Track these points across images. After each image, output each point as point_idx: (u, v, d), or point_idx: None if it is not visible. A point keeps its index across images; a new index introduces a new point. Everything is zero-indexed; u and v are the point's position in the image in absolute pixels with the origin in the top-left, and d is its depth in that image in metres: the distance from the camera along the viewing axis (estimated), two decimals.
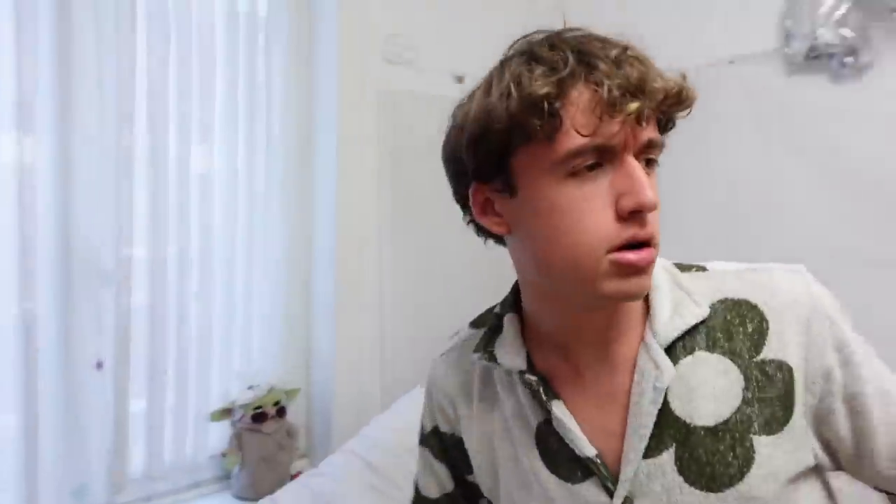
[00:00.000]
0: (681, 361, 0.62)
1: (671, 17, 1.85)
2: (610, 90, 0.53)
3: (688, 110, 0.59)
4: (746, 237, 1.71)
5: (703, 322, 0.63)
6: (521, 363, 0.67)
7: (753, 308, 0.62)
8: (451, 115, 0.65)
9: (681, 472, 0.60)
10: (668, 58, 0.66)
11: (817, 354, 0.60)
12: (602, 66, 0.54)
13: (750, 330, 0.62)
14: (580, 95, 0.55)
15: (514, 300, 0.72)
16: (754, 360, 0.61)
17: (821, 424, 0.61)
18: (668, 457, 0.60)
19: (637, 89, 0.54)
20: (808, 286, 0.63)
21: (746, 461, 0.58)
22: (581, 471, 0.64)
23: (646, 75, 0.55)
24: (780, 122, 1.66)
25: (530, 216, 0.60)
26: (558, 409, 0.64)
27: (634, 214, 0.56)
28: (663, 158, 0.62)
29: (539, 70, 0.55)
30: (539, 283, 0.64)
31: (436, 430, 0.80)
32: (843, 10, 1.52)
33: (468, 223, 0.69)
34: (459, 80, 2.00)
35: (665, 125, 0.61)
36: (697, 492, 0.59)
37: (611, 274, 0.57)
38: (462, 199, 0.67)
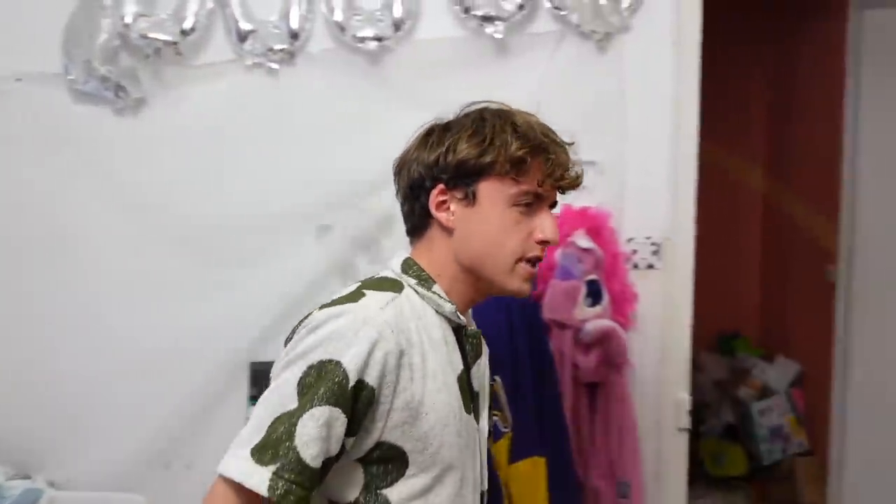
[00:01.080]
0: None
1: None
2: (555, 168, 0.85)
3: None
4: (31, 260, 1.64)
5: None
6: (464, 319, 0.91)
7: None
8: (430, 132, 0.90)
9: None
10: None
11: None
12: (555, 150, 0.86)
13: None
14: (540, 162, 0.84)
15: (427, 275, 0.88)
16: None
17: None
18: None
19: (566, 171, 0.87)
20: None
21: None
22: (472, 403, 0.90)
23: (568, 164, 0.87)
24: (67, 147, 1.65)
25: (477, 223, 0.86)
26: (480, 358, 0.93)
27: (543, 243, 0.87)
28: None
29: (519, 136, 0.84)
30: (460, 268, 0.88)
31: (360, 383, 0.77)
32: (113, 46, 1.60)
33: (408, 210, 0.91)
34: None
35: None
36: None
37: (518, 273, 0.87)
38: (416, 194, 0.89)
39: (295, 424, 0.74)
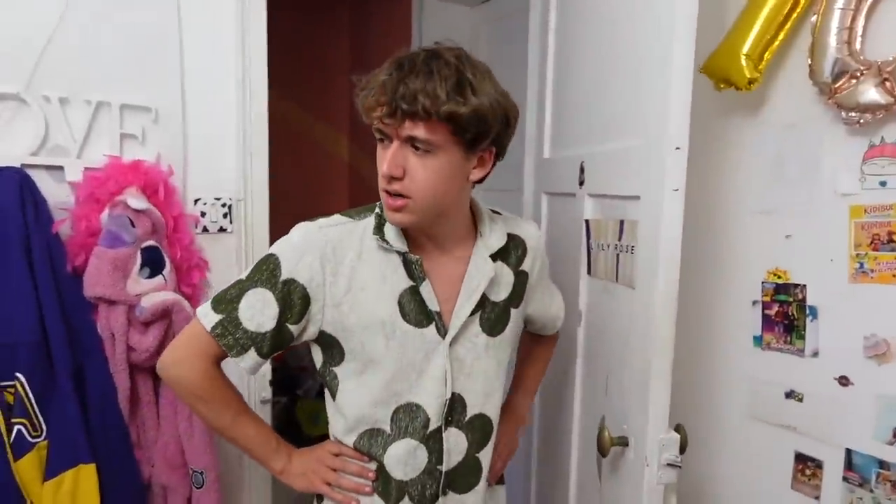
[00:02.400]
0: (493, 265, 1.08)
1: None
2: (367, 104, 0.95)
3: None
4: None
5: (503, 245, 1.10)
6: (403, 246, 1.01)
7: (522, 241, 1.14)
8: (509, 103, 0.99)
9: (481, 325, 1.07)
10: None
11: (539, 268, 1.18)
12: (375, 84, 0.95)
13: (519, 252, 1.13)
14: (367, 97, 0.95)
15: None
16: (518, 269, 1.13)
17: (528, 303, 1.18)
18: (476, 317, 1.06)
19: (389, 103, 0.92)
20: (539, 234, 1.21)
21: (506, 321, 1.11)
22: (426, 320, 1.02)
23: (396, 91, 0.91)
24: None
25: None
26: (427, 279, 1.02)
27: (383, 176, 0.96)
28: None
29: (368, 81, 0.97)
30: None
31: (290, 280, 0.98)
32: None
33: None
34: None
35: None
36: (485, 335, 1.08)
37: (386, 204, 0.98)
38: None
39: (242, 294, 0.99)
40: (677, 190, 1.09)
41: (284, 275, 0.98)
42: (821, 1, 1.26)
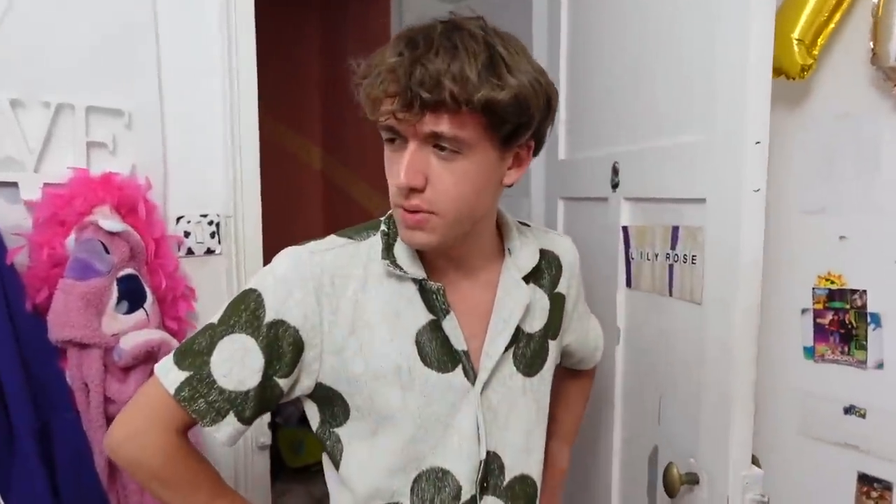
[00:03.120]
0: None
1: None
2: (372, 94, 0.74)
3: None
4: None
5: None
6: (421, 272, 0.81)
7: (556, 258, 0.95)
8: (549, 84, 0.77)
9: (515, 363, 0.88)
10: None
11: (576, 289, 1.00)
12: (384, 72, 0.72)
13: (553, 272, 0.94)
14: (372, 91, 0.74)
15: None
16: (553, 291, 0.94)
17: (567, 331, 1.00)
18: (509, 353, 0.87)
19: (402, 91, 0.71)
20: (574, 249, 1.00)
21: (545, 356, 0.92)
22: (451, 363, 0.82)
23: (412, 76, 0.69)
24: None
25: None
26: (452, 312, 0.82)
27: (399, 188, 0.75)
28: None
29: (371, 63, 0.74)
30: None
31: (277, 322, 0.78)
32: None
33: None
34: None
35: None
36: (521, 376, 0.89)
37: (401, 223, 0.78)
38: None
39: (215, 343, 0.78)
40: (758, 190, 0.94)
41: (270, 316, 0.77)
42: None
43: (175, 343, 1.08)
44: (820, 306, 1.35)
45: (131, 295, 1.07)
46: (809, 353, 1.38)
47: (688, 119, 1.08)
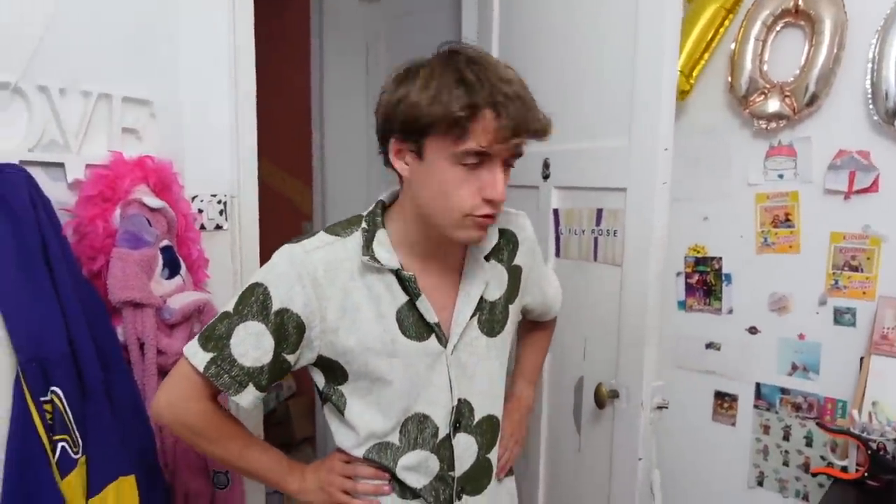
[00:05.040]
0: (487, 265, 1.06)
1: None
2: (505, 126, 0.84)
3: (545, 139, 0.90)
4: None
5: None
6: (396, 263, 0.96)
7: (513, 234, 1.10)
8: (391, 82, 0.91)
9: (479, 327, 1.04)
10: None
11: (531, 258, 1.14)
12: (505, 108, 0.83)
13: (511, 248, 1.10)
14: (486, 119, 0.84)
15: (381, 219, 0.99)
16: (511, 264, 1.09)
17: (525, 294, 1.14)
18: (474, 320, 1.03)
19: (521, 128, 0.85)
20: (529, 224, 1.14)
21: (504, 320, 1.08)
22: (426, 333, 0.99)
23: (527, 117, 0.85)
24: None
25: (424, 177, 0.91)
26: (423, 294, 0.97)
27: (490, 202, 0.89)
28: None
29: (461, 91, 0.83)
30: (417, 214, 0.95)
31: (283, 310, 0.93)
32: None
33: (379, 153, 0.96)
34: None
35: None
36: (485, 337, 1.05)
37: (466, 226, 0.92)
38: (382, 140, 0.94)
39: (233, 329, 0.94)
40: (665, 183, 1.33)
41: (276, 305, 0.93)
42: (739, 31, 1.60)
43: (215, 304, 1.25)
44: (689, 270, 1.81)
45: (171, 263, 1.22)
46: (682, 305, 1.83)
47: (612, 127, 1.45)
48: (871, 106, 1.46)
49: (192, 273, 1.31)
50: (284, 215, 3.05)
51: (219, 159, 1.41)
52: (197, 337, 0.97)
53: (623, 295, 1.43)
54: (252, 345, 0.94)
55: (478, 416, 1.06)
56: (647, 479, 1.39)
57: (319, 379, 1.04)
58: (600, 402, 1.44)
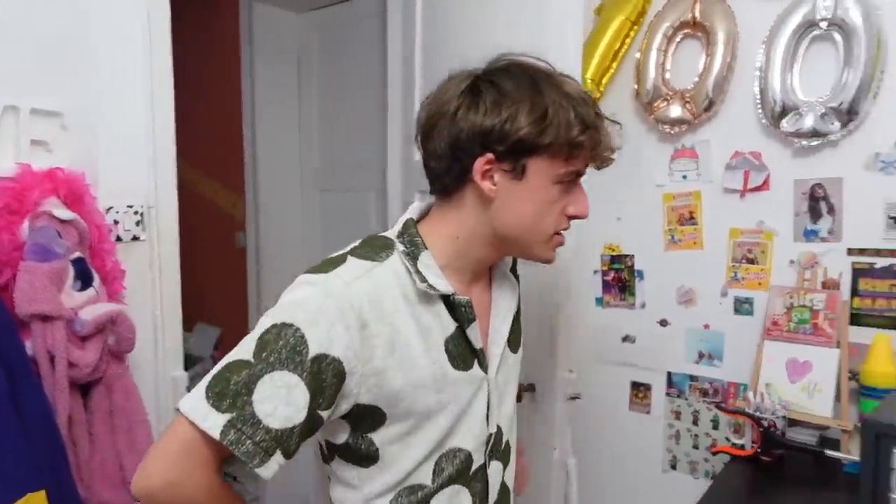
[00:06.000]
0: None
1: None
2: (604, 150, 0.88)
3: None
4: None
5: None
6: (450, 288, 0.87)
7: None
8: (478, 91, 0.85)
9: (508, 344, 0.98)
10: None
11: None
12: (603, 128, 0.87)
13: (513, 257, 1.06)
14: (592, 140, 0.85)
15: (419, 241, 0.88)
16: (515, 273, 1.06)
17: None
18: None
19: (609, 153, 0.89)
20: None
21: (519, 329, 1.06)
22: (471, 360, 0.91)
23: (611, 143, 0.89)
24: None
25: (518, 197, 0.86)
26: (476, 321, 0.90)
27: (572, 217, 0.90)
28: None
29: (577, 117, 0.83)
30: (490, 232, 0.89)
31: (321, 356, 0.77)
32: None
33: (443, 168, 0.88)
34: None
35: None
36: (511, 354, 1.00)
37: (551, 245, 0.91)
38: (457, 154, 0.85)
39: (255, 381, 0.75)
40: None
41: (314, 350, 0.76)
42: (643, 42, 1.70)
43: (129, 315, 1.26)
44: (606, 268, 1.90)
45: (83, 275, 1.22)
46: (599, 301, 1.92)
47: None
48: (759, 110, 1.58)
49: (107, 284, 1.30)
50: (217, 225, 3.03)
51: (136, 170, 1.41)
52: (202, 392, 0.76)
53: (540, 293, 1.50)
54: (282, 400, 0.75)
55: (504, 440, 1.00)
56: (562, 468, 1.46)
57: (341, 433, 0.88)
58: (518, 396, 1.50)
